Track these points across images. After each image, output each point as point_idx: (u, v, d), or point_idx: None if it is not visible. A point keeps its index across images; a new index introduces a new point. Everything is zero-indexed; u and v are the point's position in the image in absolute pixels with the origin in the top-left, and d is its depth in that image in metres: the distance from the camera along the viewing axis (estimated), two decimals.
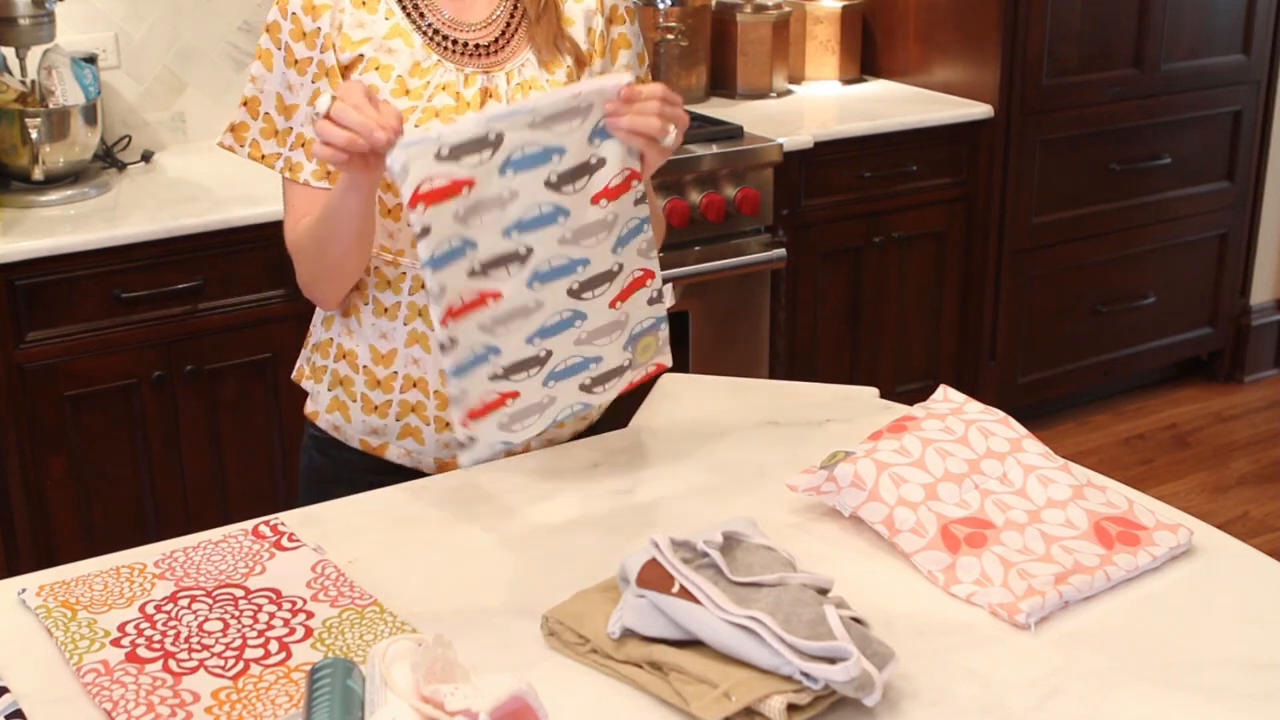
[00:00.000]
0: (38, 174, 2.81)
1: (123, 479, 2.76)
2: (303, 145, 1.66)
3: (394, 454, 1.77)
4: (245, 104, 1.68)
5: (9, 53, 2.89)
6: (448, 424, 1.74)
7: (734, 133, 3.31)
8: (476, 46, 1.68)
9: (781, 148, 3.29)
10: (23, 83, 2.86)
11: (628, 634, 1.30)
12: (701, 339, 3.31)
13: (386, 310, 1.72)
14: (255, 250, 2.78)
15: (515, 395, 1.52)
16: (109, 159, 3.03)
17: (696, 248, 3.23)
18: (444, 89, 1.65)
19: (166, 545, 1.53)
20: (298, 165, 1.67)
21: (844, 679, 1.19)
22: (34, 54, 2.88)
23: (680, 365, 3.32)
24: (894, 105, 3.66)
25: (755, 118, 3.46)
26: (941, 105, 3.64)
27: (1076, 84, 3.73)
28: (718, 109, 3.57)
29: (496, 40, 1.69)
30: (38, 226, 2.68)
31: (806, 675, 1.20)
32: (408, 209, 1.41)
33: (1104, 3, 3.70)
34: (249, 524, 1.57)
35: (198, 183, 2.95)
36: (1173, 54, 3.86)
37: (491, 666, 1.27)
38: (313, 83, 1.64)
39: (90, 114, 2.87)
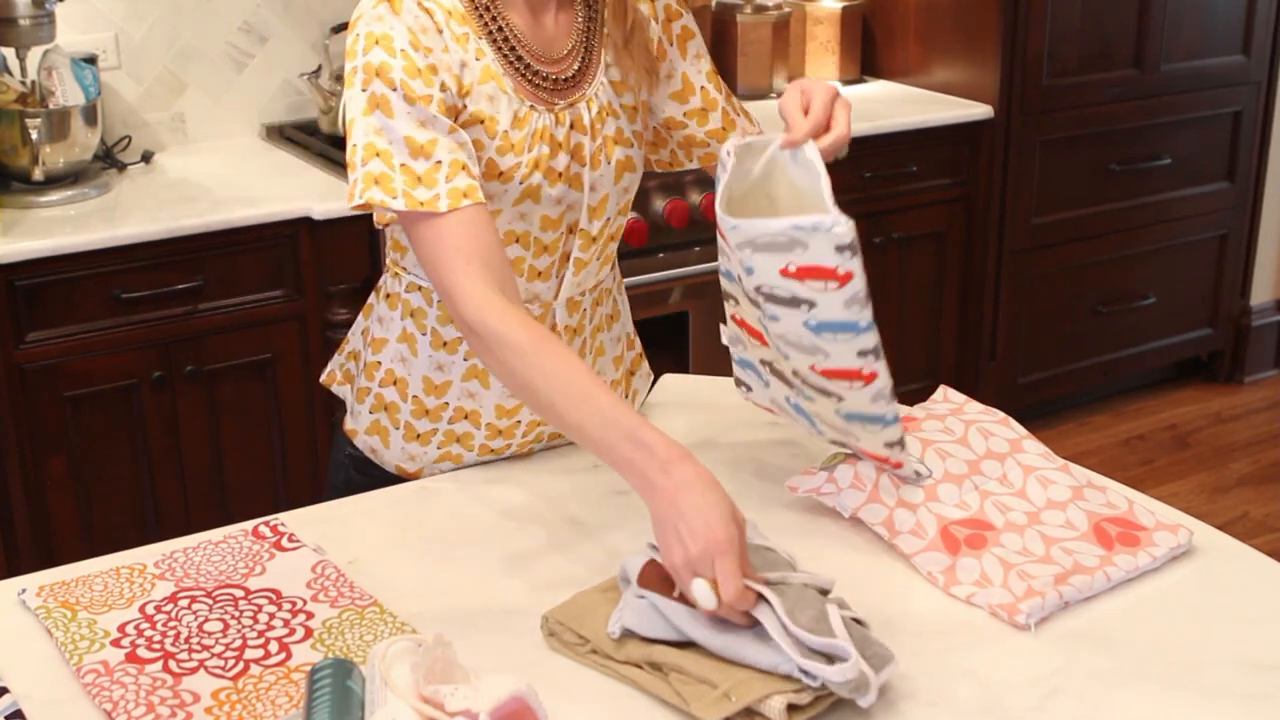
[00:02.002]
0: (38, 174, 2.81)
1: (123, 479, 2.76)
2: (462, 169, 1.48)
3: (429, 476, 1.75)
4: (379, 156, 1.47)
5: (9, 53, 2.89)
6: (493, 450, 1.73)
7: None
8: (563, 80, 1.60)
9: None
10: (23, 83, 2.86)
11: (627, 634, 1.30)
12: (701, 339, 3.31)
13: (446, 344, 1.67)
14: (255, 250, 2.78)
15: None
16: (109, 159, 3.03)
17: (696, 248, 3.23)
18: (541, 137, 1.56)
19: (166, 545, 1.53)
20: (457, 192, 1.47)
21: (840, 680, 1.19)
22: (34, 54, 2.88)
23: (680, 365, 3.32)
24: (894, 105, 3.66)
25: (755, 118, 3.45)
26: (941, 105, 3.64)
27: (1076, 84, 3.73)
28: None
29: (579, 71, 1.61)
30: (38, 227, 2.68)
31: (805, 673, 1.20)
32: (861, 276, 1.39)
33: (1104, 3, 3.70)
34: (249, 524, 1.57)
35: (198, 183, 2.95)
36: (1173, 54, 3.86)
37: (491, 666, 1.27)
38: (440, 114, 1.48)
39: (90, 114, 2.87)
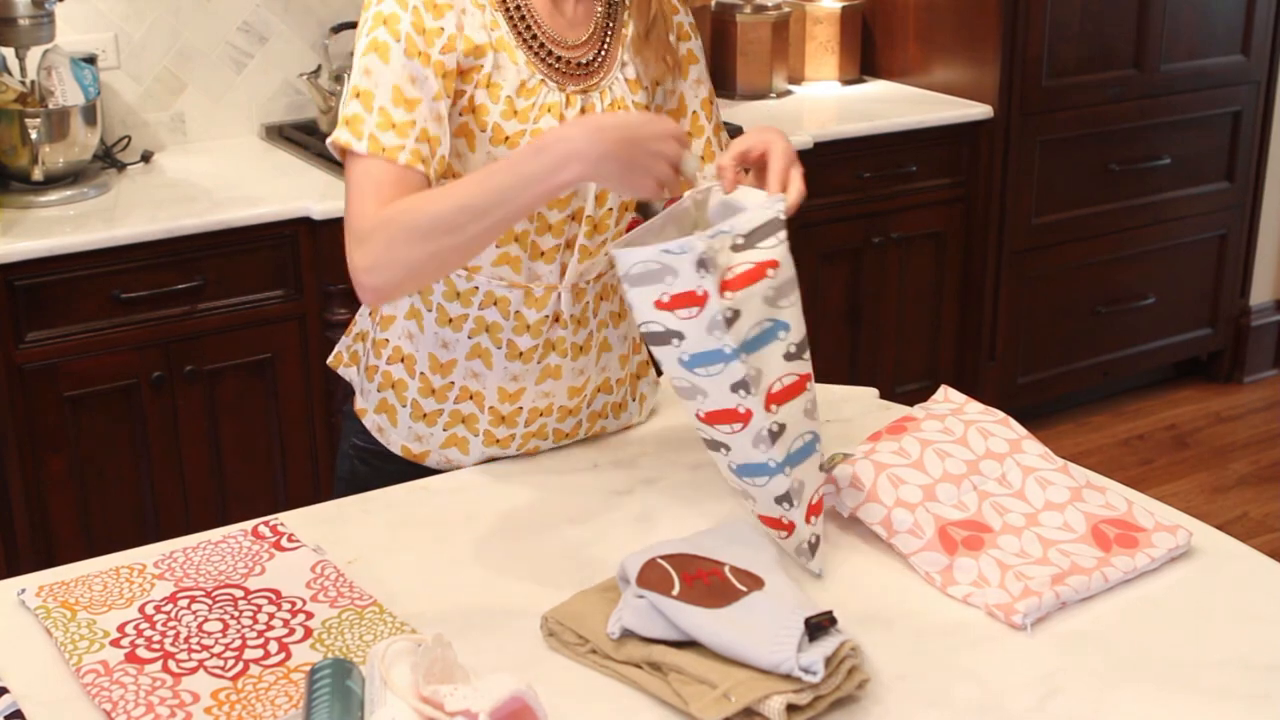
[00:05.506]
0: (37, 174, 2.81)
1: (123, 479, 2.76)
2: (427, 141, 1.53)
3: (434, 460, 1.75)
4: (358, 96, 1.53)
5: (9, 53, 2.89)
6: (498, 439, 1.72)
7: (733, 133, 3.29)
8: (577, 65, 1.64)
9: None
10: (23, 83, 2.86)
11: (627, 634, 1.30)
12: None
13: (451, 321, 1.68)
14: (255, 250, 2.78)
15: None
16: (109, 159, 3.03)
17: None
18: (549, 111, 1.60)
19: (166, 545, 1.53)
20: (419, 155, 1.52)
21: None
22: (34, 54, 2.88)
23: None
24: (894, 106, 3.66)
25: (755, 118, 3.45)
26: (941, 106, 3.64)
27: (1076, 84, 3.73)
28: None
29: (595, 59, 1.66)
30: (37, 227, 2.68)
31: (806, 669, 1.20)
32: (716, 297, 1.37)
33: (1104, 3, 3.70)
34: (249, 524, 1.57)
35: (197, 183, 2.95)
36: (1172, 54, 3.86)
37: (491, 666, 1.27)
38: (437, 78, 1.54)
39: (90, 114, 2.87)
